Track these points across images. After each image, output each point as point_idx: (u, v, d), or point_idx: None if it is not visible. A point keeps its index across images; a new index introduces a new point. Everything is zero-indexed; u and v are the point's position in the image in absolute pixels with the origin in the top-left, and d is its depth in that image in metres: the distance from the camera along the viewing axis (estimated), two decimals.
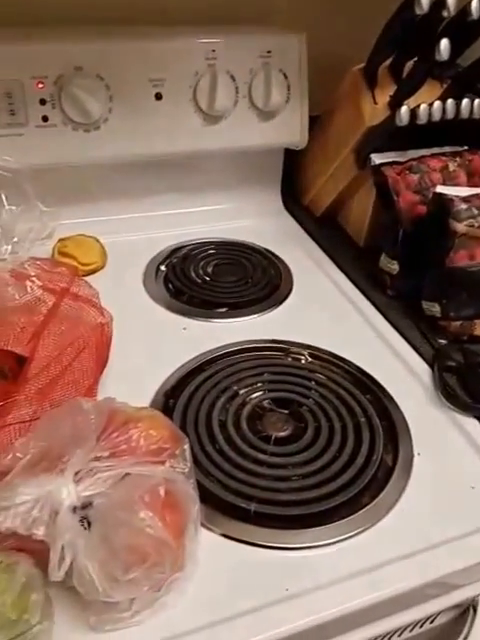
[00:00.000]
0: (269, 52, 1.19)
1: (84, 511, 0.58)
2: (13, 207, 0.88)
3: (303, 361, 0.97)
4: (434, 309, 1.02)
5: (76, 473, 0.60)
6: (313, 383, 0.92)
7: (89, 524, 0.58)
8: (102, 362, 0.85)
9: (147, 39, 1.12)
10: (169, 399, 0.88)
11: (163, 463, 0.64)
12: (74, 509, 0.58)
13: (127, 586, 0.57)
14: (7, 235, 0.86)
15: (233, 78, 1.18)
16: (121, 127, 1.14)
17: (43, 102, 1.08)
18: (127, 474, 0.61)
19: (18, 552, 0.60)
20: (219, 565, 0.68)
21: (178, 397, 0.88)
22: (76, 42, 1.08)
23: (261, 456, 0.80)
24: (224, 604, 0.64)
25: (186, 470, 0.65)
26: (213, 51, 1.15)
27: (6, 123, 1.07)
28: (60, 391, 0.79)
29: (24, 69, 1.06)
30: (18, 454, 0.62)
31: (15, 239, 0.86)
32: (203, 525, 0.70)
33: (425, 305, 1.04)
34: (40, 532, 0.58)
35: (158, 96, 1.14)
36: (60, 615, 0.61)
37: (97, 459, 0.62)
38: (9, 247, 0.86)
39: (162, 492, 0.61)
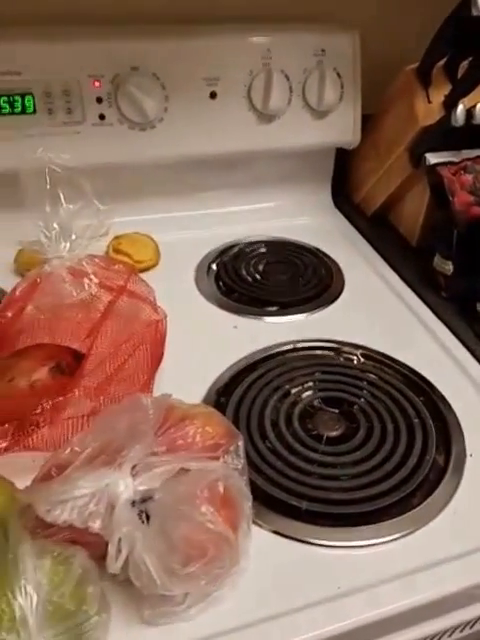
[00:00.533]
0: (323, 51, 1.19)
1: (143, 505, 0.59)
2: (70, 205, 0.89)
3: (355, 361, 0.97)
4: None
5: (133, 467, 0.61)
6: (365, 383, 0.91)
7: (148, 518, 0.59)
8: (157, 359, 0.86)
9: (202, 38, 1.13)
10: (221, 397, 0.88)
11: (218, 459, 0.64)
12: (133, 503, 0.59)
13: (185, 580, 0.58)
14: (65, 233, 0.87)
15: (287, 77, 1.18)
16: (176, 126, 1.15)
17: (100, 101, 1.10)
18: (182, 469, 0.62)
19: (73, 544, 0.60)
20: (270, 562, 0.69)
21: (230, 395, 0.88)
22: (132, 41, 1.10)
23: (313, 455, 0.80)
24: (277, 600, 0.65)
25: (240, 466, 0.66)
26: (268, 50, 1.15)
27: (63, 121, 1.09)
28: (116, 387, 0.80)
29: (81, 68, 1.07)
30: (76, 448, 0.63)
31: (73, 236, 0.88)
32: (254, 522, 0.70)
33: None
34: (96, 525, 0.58)
35: (213, 95, 1.15)
36: (113, 608, 0.61)
37: (154, 454, 0.62)
38: (67, 244, 0.87)
39: (221, 488, 0.61)
